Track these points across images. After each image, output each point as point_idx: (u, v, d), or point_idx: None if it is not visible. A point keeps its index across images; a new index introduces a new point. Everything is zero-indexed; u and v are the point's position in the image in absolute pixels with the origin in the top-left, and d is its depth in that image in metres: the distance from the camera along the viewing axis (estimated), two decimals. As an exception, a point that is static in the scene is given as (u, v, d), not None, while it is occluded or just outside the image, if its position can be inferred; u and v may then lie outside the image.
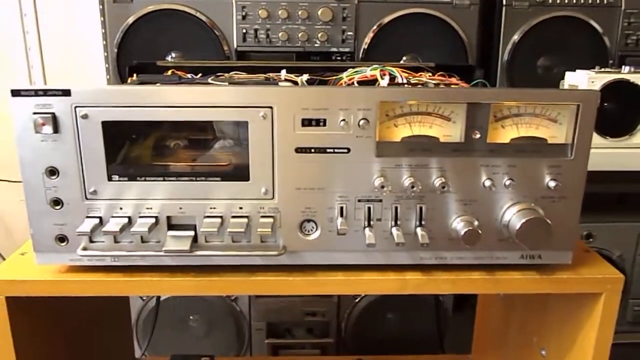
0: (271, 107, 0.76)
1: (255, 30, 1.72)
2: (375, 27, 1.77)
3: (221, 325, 1.89)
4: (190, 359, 1.36)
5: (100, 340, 1.20)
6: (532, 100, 0.79)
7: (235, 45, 1.69)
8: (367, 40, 1.76)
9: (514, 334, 1.16)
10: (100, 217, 0.78)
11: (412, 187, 0.78)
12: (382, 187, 0.78)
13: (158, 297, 1.49)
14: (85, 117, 0.74)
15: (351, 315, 1.91)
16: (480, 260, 0.84)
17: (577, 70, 1.49)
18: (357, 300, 1.79)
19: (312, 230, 0.82)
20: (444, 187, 0.79)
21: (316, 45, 1.70)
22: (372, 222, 0.81)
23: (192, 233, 0.78)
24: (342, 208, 0.80)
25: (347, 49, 1.72)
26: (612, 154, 1.63)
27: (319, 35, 1.73)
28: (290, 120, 0.77)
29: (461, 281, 0.83)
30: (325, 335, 1.94)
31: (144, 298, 1.79)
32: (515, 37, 1.82)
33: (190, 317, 1.93)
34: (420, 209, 0.81)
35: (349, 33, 1.75)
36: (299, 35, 1.72)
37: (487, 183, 0.79)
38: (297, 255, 0.83)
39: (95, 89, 0.74)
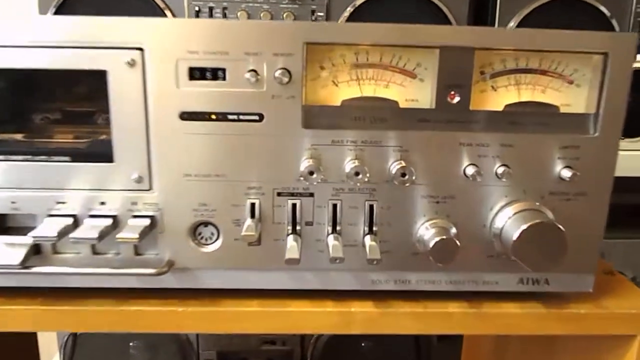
0: (141, 49, 0.50)
1: (210, 9, 1.46)
2: (349, 8, 1.51)
3: (165, 354, 1.60)
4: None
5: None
6: (536, 46, 0.52)
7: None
8: (342, 21, 1.50)
9: (509, 380, 0.88)
10: None
11: (358, 174, 0.52)
12: (312, 174, 0.51)
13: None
14: None
15: (318, 343, 1.62)
16: (460, 285, 0.57)
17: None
18: (323, 326, 1.47)
19: (210, 237, 0.55)
20: (404, 176, 0.52)
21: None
22: (298, 227, 0.54)
23: (30, 240, 0.51)
24: (253, 205, 0.54)
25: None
26: (627, 157, 1.36)
27: (285, 15, 1.47)
28: (171, 70, 0.50)
29: (431, 317, 0.56)
30: (287, 367, 1.63)
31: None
32: (512, 24, 1.57)
33: (131, 344, 1.63)
34: (371, 208, 0.54)
35: (320, 14, 1.49)
36: (261, 15, 1.46)
37: (470, 171, 0.53)
38: (189, 275, 0.56)
39: None
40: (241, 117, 0.52)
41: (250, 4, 1.55)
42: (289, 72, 0.51)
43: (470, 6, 1.63)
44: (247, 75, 0.50)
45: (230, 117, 0.52)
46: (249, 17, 1.55)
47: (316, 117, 0.53)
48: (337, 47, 0.52)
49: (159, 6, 1.51)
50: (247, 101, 0.52)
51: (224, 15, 1.54)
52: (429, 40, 0.52)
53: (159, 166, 0.53)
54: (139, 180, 0.54)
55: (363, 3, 1.59)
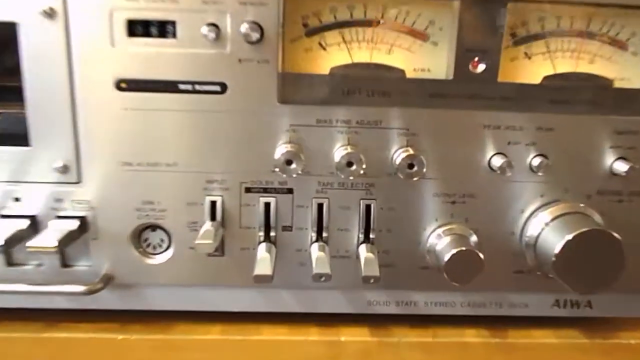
0: (62, -6, 0.37)
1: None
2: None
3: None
4: None
5: None
6: (588, -2, 0.40)
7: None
8: None
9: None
10: None
11: (351, 165, 0.39)
12: (291, 163, 0.39)
13: None
14: None
15: None
16: (480, 309, 0.45)
17: None
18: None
19: (159, 245, 0.43)
20: (412, 167, 0.40)
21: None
22: (273, 234, 0.42)
23: None
24: (214, 204, 0.41)
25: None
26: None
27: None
28: (103, 23, 0.38)
29: (444, 348, 0.44)
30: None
31: None
32: None
33: None
34: (367, 209, 0.42)
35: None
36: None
37: (497, 162, 0.40)
38: (132, 293, 0.44)
39: None
40: (197, 87, 0.39)
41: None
42: (260, 27, 0.38)
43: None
44: (205, 30, 0.38)
45: (182, 87, 0.39)
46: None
47: (297, 88, 0.40)
48: (326, -3, 0.40)
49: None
50: (205, 66, 0.39)
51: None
52: (447, -12, 0.39)
53: (90, 151, 0.40)
54: (64, 170, 0.41)
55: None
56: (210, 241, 0.38)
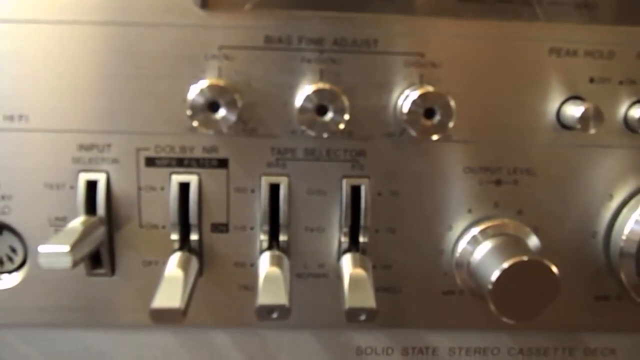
0: None
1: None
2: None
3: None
4: None
5: None
6: None
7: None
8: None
9: None
10: None
11: (323, 111, 0.22)
12: (216, 108, 0.21)
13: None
14: None
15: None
16: (540, 357, 0.27)
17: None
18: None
19: (8, 258, 0.25)
20: (432, 116, 0.22)
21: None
22: (194, 236, 0.24)
23: None
24: (92, 185, 0.23)
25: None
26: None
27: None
28: None
29: None
30: None
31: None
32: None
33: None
34: (354, 194, 0.24)
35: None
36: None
37: (574, 111, 0.23)
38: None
39: None
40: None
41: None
42: None
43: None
44: None
45: (27, -23, 0.22)
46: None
47: (230, -17, 0.23)
48: None
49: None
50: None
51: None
52: None
53: None
54: None
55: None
56: (64, 249, 0.21)
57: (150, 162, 0.25)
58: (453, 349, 0.28)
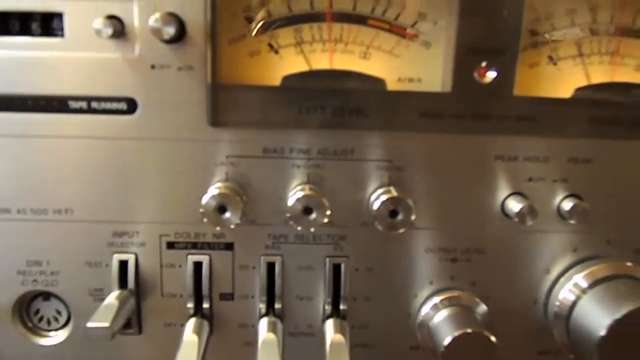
0: None
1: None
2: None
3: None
4: None
5: None
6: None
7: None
8: None
9: None
10: None
11: (309, 211, 0.28)
12: (224, 210, 0.27)
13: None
14: None
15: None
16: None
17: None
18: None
19: (54, 319, 0.31)
20: (395, 215, 0.28)
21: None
22: (206, 305, 0.30)
23: None
24: (124, 264, 0.29)
25: None
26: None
27: None
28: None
29: None
30: None
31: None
32: None
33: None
34: (336, 270, 0.30)
35: None
36: None
37: (515, 206, 0.29)
38: (18, 385, 0.32)
39: None
40: (94, 105, 0.28)
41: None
42: (179, 20, 0.27)
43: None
44: (99, 24, 0.26)
45: (73, 105, 0.28)
46: None
47: (235, 106, 0.29)
48: (274, -20, 0.29)
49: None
50: (106, 76, 0.28)
51: None
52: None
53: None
54: None
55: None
56: (106, 324, 0.27)
57: (171, 245, 0.30)
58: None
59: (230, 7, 0.29)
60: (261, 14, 0.30)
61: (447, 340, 0.28)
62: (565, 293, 0.31)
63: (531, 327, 0.32)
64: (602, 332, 0.28)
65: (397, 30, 0.30)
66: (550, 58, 0.31)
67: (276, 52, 0.30)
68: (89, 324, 0.27)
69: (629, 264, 0.31)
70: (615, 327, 0.28)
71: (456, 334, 0.28)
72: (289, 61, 0.30)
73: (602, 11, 0.31)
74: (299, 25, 0.30)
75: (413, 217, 0.29)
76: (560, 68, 0.31)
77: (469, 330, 0.28)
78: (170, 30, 0.27)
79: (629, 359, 0.28)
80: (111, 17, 0.27)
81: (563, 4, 0.31)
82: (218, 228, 0.29)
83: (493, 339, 0.28)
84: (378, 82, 0.30)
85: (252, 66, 0.30)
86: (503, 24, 0.29)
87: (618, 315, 0.28)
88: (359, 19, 0.30)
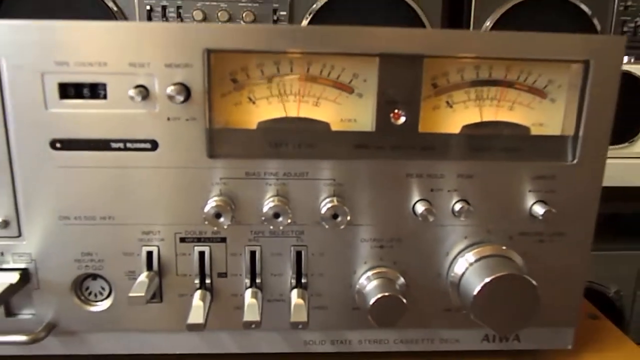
0: (-6, 60, 0.39)
1: (164, 8, 1.34)
2: (314, 6, 1.40)
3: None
4: None
5: None
6: (500, 53, 0.42)
7: (137, 26, 1.27)
8: (305, 22, 1.39)
9: None
10: None
11: (277, 216, 0.41)
12: (219, 216, 0.41)
13: None
14: None
15: None
16: (412, 345, 0.47)
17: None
18: None
19: (101, 293, 0.44)
20: (336, 218, 0.42)
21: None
22: (208, 280, 0.44)
23: None
24: (150, 254, 0.43)
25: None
26: (611, 166, 1.25)
27: (244, 14, 1.35)
28: (36, 86, 0.39)
29: (376, 385, 0.46)
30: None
31: None
32: (488, 24, 1.46)
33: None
34: (298, 255, 0.44)
35: (282, 13, 1.38)
36: (219, 14, 1.34)
37: (421, 208, 0.42)
38: (75, 339, 0.45)
39: None
40: (129, 145, 0.41)
41: (207, 3, 1.42)
42: (186, 87, 0.40)
43: (444, 6, 1.52)
44: (132, 92, 0.39)
45: (114, 145, 0.41)
46: (205, 17, 1.42)
47: (225, 143, 0.42)
48: (252, 55, 0.42)
49: (109, 8, 1.38)
50: (136, 125, 0.41)
51: (178, 15, 1.42)
52: (367, 45, 0.41)
53: (29, 207, 0.42)
54: (4, 224, 0.42)
55: (327, 3, 1.47)
56: (141, 294, 0.40)
57: (183, 240, 0.43)
58: (360, 340, 0.47)
59: (221, 72, 0.42)
60: (242, 76, 0.43)
61: (371, 301, 0.42)
62: (458, 267, 0.45)
63: (438, 292, 0.46)
64: (475, 292, 0.41)
65: (339, 85, 0.43)
66: (448, 103, 0.45)
67: (253, 102, 0.43)
68: (130, 294, 0.40)
69: (503, 247, 0.45)
70: (485, 288, 0.41)
71: (378, 296, 0.42)
72: (262, 109, 0.43)
73: (483, 68, 0.44)
74: (269, 83, 0.43)
75: (349, 218, 0.42)
76: (455, 110, 0.45)
77: (386, 294, 0.42)
78: (180, 97, 0.39)
79: (494, 310, 0.42)
80: (140, 86, 0.40)
81: (455, 65, 0.44)
82: (215, 228, 0.42)
83: (404, 300, 0.42)
84: (324, 124, 0.43)
85: (236, 113, 0.43)
86: (409, 84, 0.42)
87: (487, 279, 0.41)
88: (312, 78, 0.43)
